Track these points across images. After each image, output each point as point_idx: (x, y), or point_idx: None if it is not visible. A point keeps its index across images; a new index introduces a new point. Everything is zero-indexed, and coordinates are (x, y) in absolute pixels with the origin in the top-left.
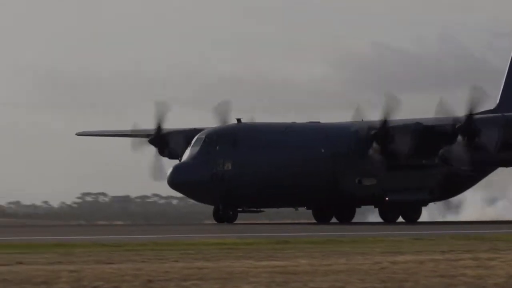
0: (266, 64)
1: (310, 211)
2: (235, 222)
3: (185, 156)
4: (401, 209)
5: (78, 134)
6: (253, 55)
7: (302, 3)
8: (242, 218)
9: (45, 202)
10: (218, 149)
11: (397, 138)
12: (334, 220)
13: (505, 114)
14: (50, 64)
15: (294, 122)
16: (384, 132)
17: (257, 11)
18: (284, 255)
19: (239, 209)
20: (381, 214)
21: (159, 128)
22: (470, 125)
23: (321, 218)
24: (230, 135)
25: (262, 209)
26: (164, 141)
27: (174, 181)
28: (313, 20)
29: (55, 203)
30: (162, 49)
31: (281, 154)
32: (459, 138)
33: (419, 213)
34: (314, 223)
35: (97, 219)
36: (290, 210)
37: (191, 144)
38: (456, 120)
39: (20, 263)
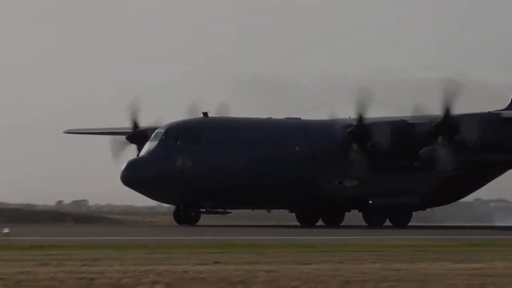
0: None
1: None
2: (197, 224)
3: (143, 151)
4: (387, 214)
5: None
6: None
7: None
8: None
9: None
10: (178, 144)
11: (381, 137)
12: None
13: (490, 111)
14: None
15: (270, 118)
16: (363, 129)
17: None
18: (481, 257)
19: (202, 210)
20: (365, 218)
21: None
22: (448, 122)
23: (306, 221)
24: (191, 129)
25: (228, 211)
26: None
27: (127, 178)
28: None
29: None
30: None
31: (248, 151)
32: (439, 137)
33: (408, 218)
34: (298, 226)
35: None
36: (262, 212)
37: (150, 138)
38: (434, 118)
39: (218, 262)
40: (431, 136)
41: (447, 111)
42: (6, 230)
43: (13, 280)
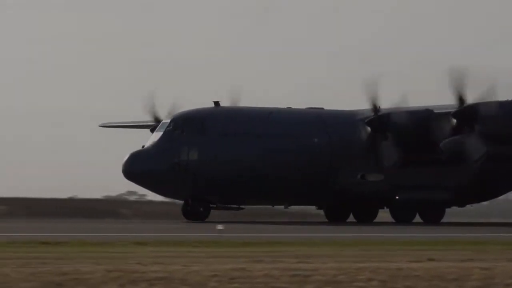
0: None
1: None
2: (207, 219)
3: (148, 143)
4: (417, 210)
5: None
6: None
7: None
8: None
9: None
10: (184, 135)
11: (404, 127)
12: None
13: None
14: None
15: (289, 108)
16: (387, 120)
17: None
18: None
19: (212, 205)
20: (393, 214)
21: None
22: (465, 110)
23: (334, 217)
24: (198, 120)
25: (242, 206)
26: None
27: (129, 171)
28: None
29: None
30: None
31: (260, 142)
32: (463, 127)
33: (440, 214)
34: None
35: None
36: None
37: (156, 129)
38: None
39: (432, 259)
40: (451, 127)
41: (460, 99)
42: (220, 227)
43: (228, 277)
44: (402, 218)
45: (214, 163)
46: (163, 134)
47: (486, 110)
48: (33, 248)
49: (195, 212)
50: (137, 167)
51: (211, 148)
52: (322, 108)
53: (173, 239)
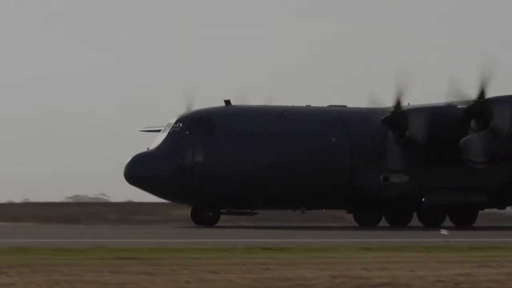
0: None
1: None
2: (215, 224)
3: (152, 145)
4: (446, 213)
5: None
6: None
7: None
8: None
9: None
10: (189, 136)
11: (422, 125)
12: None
13: None
14: None
15: (308, 106)
16: (403, 117)
17: None
18: None
19: (222, 210)
20: (420, 218)
21: None
22: (483, 107)
23: (365, 222)
24: (205, 120)
25: (255, 211)
26: None
27: (131, 175)
28: None
29: None
30: None
31: (272, 142)
32: (472, 123)
33: (473, 218)
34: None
35: None
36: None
37: (162, 130)
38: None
39: None
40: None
41: (481, 93)
42: (444, 232)
43: (453, 282)
44: (430, 222)
45: (221, 165)
46: (167, 135)
47: (503, 106)
48: (255, 254)
49: (203, 217)
50: (138, 171)
51: (218, 149)
52: (345, 106)
53: (397, 244)
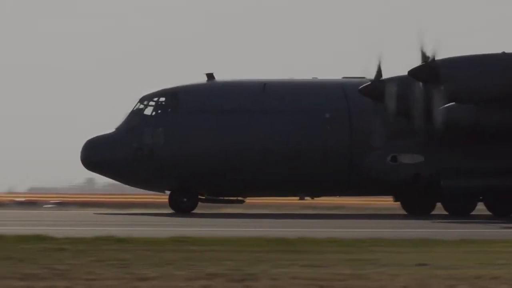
0: None
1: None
2: (193, 211)
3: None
4: (475, 200)
5: None
6: None
7: None
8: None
9: None
10: (150, 115)
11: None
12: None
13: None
14: None
15: (291, 78)
16: (382, 87)
17: None
18: None
19: (201, 197)
20: (444, 205)
21: None
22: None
23: (415, 210)
24: (169, 97)
25: (241, 199)
26: None
27: (86, 160)
28: None
29: None
30: None
31: (251, 121)
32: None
33: (509, 205)
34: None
35: None
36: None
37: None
38: None
39: None
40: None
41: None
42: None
43: None
44: (455, 209)
45: (185, 147)
46: (128, 116)
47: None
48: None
49: (177, 203)
50: (93, 156)
51: (182, 129)
52: (364, 78)
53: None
